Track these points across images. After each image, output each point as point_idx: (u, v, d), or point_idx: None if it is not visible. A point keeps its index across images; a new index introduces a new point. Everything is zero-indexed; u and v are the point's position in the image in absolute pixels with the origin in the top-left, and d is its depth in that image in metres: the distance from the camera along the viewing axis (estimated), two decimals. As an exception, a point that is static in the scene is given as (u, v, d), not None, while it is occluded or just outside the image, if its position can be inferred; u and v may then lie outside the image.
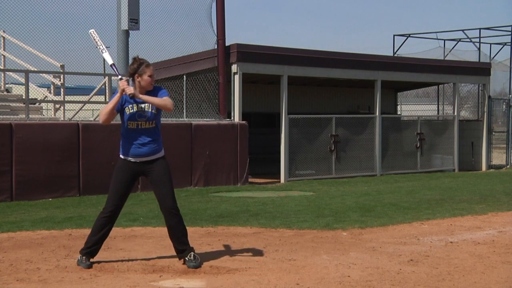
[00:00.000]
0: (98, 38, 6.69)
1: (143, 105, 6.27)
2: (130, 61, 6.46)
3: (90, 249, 6.39)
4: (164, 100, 6.26)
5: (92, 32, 6.72)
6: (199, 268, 6.26)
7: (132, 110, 6.27)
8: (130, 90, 6.21)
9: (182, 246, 6.41)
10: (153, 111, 6.30)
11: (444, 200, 12.32)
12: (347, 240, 8.01)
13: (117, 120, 6.56)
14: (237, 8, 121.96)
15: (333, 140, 18.46)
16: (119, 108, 6.30)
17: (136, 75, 6.28)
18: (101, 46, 6.66)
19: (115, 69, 6.51)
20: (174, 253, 6.55)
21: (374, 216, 10.08)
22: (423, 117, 23.09)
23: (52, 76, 16.06)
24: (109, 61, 6.56)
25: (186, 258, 6.34)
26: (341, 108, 22.11)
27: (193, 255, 6.36)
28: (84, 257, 6.35)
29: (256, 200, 12.39)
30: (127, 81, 6.35)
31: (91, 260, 6.37)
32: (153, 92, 6.35)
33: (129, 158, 6.35)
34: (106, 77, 15.16)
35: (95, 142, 13.23)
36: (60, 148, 13.10)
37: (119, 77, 6.33)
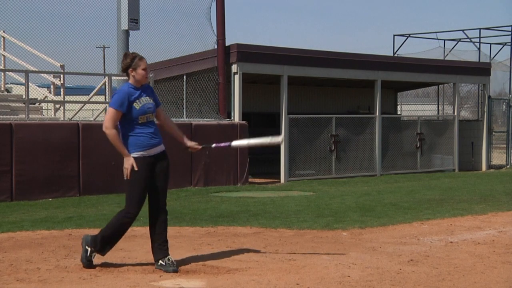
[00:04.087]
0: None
1: (147, 98, 6.28)
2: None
3: (103, 248, 6.27)
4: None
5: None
6: (174, 272, 6.08)
7: (141, 104, 6.22)
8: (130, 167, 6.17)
9: (163, 242, 6.26)
10: (152, 102, 6.36)
11: (444, 200, 12.32)
12: (347, 240, 8.01)
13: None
14: (237, 8, 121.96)
15: (333, 140, 18.46)
16: (126, 108, 6.17)
17: (130, 69, 6.25)
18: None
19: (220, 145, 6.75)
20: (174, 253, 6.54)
21: (374, 216, 10.08)
22: (423, 117, 23.09)
23: (52, 76, 16.06)
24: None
25: (163, 263, 6.18)
26: (341, 108, 22.11)
27: (169, 258, 6.21)
28: (94, 254, 6.23)
29: (256, 200, 12.39)
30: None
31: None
32: (148, 89, 6.35)
33: (145, 153, 6.20)
34: (106, 77, 15.16)
35: (95, 142, 13.21)
36: (60, 148, 13.09)
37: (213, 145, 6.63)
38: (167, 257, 6.22)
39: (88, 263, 6.22)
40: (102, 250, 6.28)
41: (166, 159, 6.37)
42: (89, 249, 6.22)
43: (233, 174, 15.75)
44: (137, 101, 6.20)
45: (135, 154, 6.16)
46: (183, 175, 14.74)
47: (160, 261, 6.21)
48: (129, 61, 6.26)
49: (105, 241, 6.25)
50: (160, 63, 17.83)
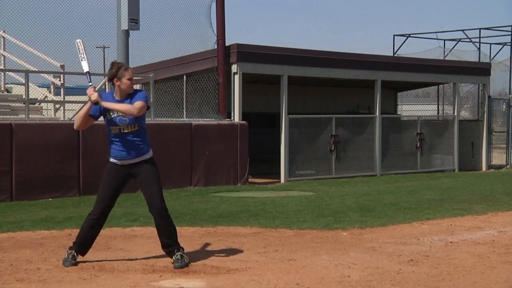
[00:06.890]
0: (82, 47, 6.67)
1: None
2: (128, 63, 6.52)
3: (80, 248, 6.46)
4: (127, 106, 6.24)
5: (78, 42, 6.69)
6: (186, 268, 6.25)
7: (113, 115, 6.32)
8: (94, 96, 6.25)
9: (169, 240, 6.40)
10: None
11: (444, 200, 12.32)
12: (347, 240, 8.01)
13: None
14: (237, 8, 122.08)
15: (333, 140, 18.46)
16: (98, 115, 6.37)
17: (115, 79, 6.33)
18: (82, 55, 6.65)
19: (88, 77, 6.54)
20: (174, 253, 6.54)
21: (374, 216, 10.08)
22: (423, 117, 23.09)
23: (52, 76, 16.06)
24: (85, 68, 6.60)
25: (174, 258, 6.32)
26: (341, 108, 22.11)
27: (180, 254, 6.35)
28: (71, 255, 6.40)
29: (256, 200, 12.39)
30: (94, 87, 6.34)
31: (79, 259, 6.44)
32: (132, 95, 6.37)
33: (118, 162, 6.41)
34: (106, 77, 15.12)
35: (95, 142, 13.21)
36: (60, 148, 13.10)
37: (90, 84, 6.37)
38: (177, 254, 6.34)
39: (70, 263, 6.35)
40: (80, 251, 6.49)
41: (144, 166, 6.39)
42: (66, 254, 6.47)
43: (233, 174, 15.75)
44: (110, 112, 6.30)
45: (110, 159, 6.44)
46: (183, 175, 14.74)
47: (173, 258, 6.36)
48: (114, 71, 6.34)
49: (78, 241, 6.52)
50: (160, 63, 17.83)
